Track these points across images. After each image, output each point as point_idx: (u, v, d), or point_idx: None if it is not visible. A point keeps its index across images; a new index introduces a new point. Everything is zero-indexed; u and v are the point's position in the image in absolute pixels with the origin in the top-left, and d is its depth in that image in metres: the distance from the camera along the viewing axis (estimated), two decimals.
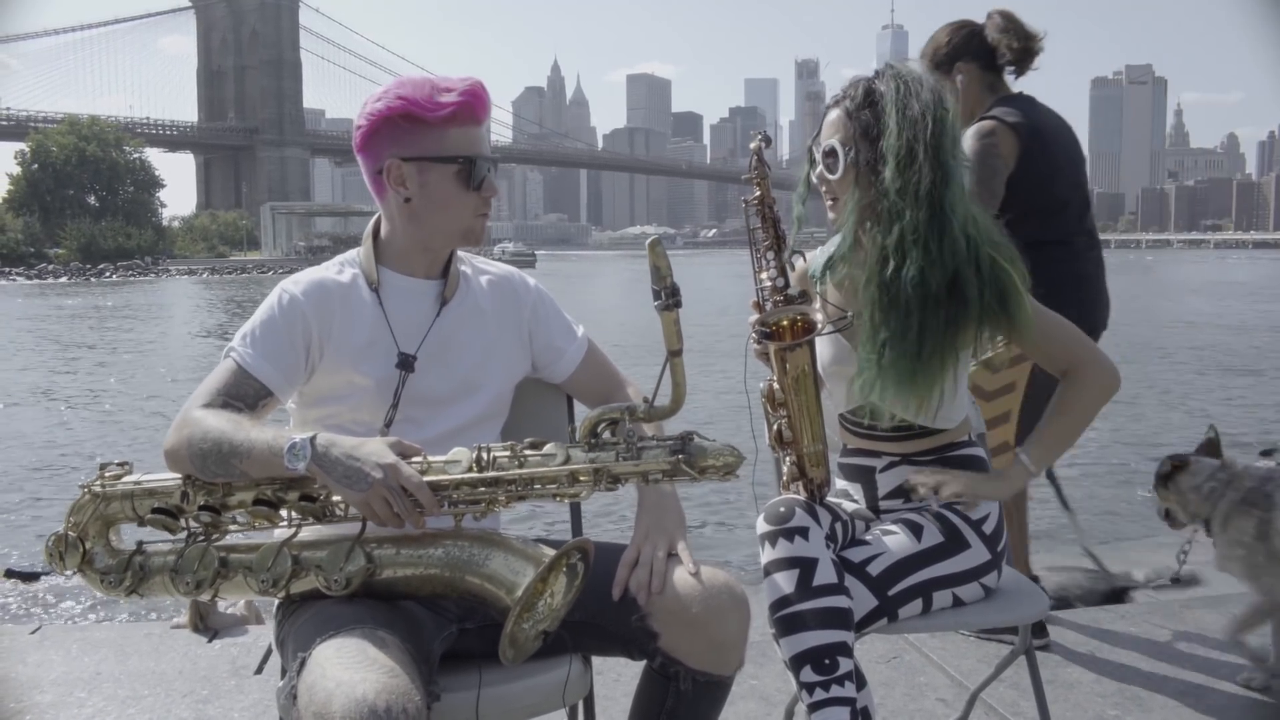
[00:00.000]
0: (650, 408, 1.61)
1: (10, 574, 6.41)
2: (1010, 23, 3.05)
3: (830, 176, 2.03)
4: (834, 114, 2.04)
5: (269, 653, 3.36)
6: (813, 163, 2.08)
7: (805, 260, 2.20)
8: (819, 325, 1.90)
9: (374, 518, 1.59)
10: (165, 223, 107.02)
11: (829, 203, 2.08)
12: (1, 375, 17.85)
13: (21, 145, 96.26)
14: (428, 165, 1.81)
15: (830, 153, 2.02)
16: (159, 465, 1.75)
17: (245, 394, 1.77)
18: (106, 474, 1.72)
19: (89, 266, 78.59)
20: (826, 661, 1.82)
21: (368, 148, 1.84)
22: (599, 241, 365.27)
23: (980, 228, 1.96)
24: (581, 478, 1.60)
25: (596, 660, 1.88)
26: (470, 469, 1.60)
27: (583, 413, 1.84)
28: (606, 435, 1.63)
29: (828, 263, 2.17)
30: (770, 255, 1.98)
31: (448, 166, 1.81)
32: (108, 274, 74.84)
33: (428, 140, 1.80)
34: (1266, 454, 9.58)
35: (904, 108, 1.93)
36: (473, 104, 1.81)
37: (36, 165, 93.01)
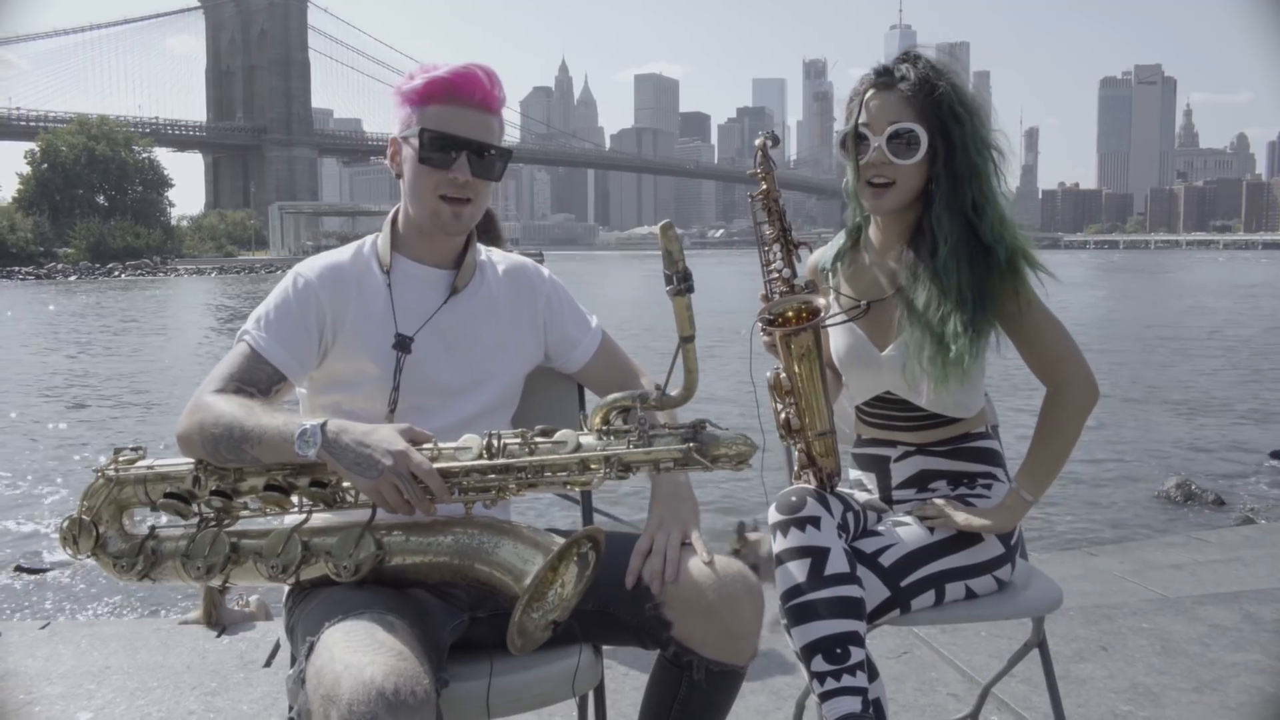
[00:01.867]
0: (662, 395, 1.59)
1: (20, 569, 6.44)
2: None
3: (901, 161, 1.99)
4: (887, 96, 2.00)
5: (277, 647, 3.36)
6: (859, 145, 2.03)
7: (810, 252, 2.20)
8: (823, 311, 1.89)
9: (384, 504, 1.58)
10: (174, 222, 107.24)
11: (879, 183, 2.02)
12: (15, 368, 17.90)
13: (31, 145, 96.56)
14: (406, 142, 1.82)
15: (906, 136, 1.98)
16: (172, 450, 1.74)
17: (258, 378, 1.77)
18: (120, 458, 1.71)
19: (98, 266, 78.82)
20: (838, 651, 1.81)
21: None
22: (606, 241, 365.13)
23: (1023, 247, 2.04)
24: (592, 465, 1.58)
25: (604, 653, 1.87)
26: (480, 456, 1.59)
27: (595, 403, 1.83)
28: (618, 423, 1.62)
29: (838, 254, 2.17)
30: (777, 248, 1.98)
31: (415, 143, 1.80)
32: (116, 273, 75.05)
33: (409, 117, 1.81)
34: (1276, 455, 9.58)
35: (965, 99, 1.98)
36: (453, 83, 1.78)
37: (46, 165, 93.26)
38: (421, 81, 1.79)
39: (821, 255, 2.23)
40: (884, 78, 2.01)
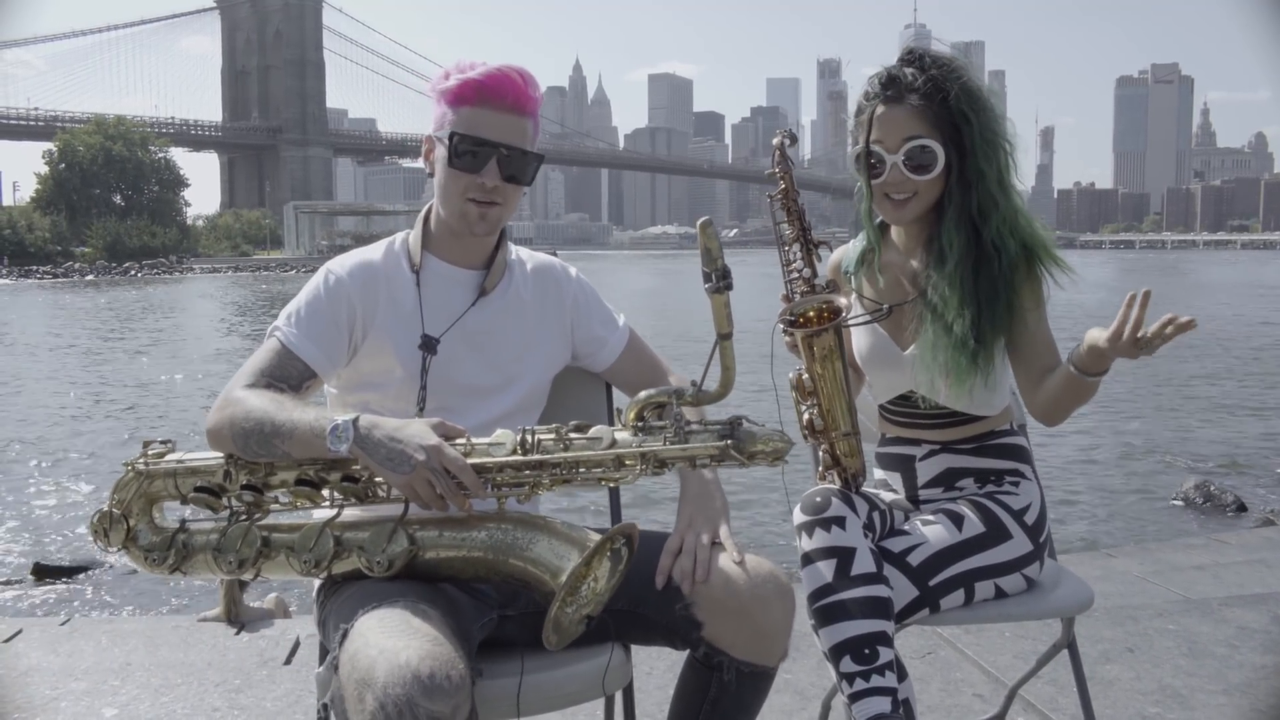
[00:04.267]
0: (698, 391, 1.58)
1: (39, 568, 6.45)
2: None
3: (919, 177, 1.97)
4: (897, 110, 1.97)
5: (297, 645, 3.37)
6: (874, 167, 2.01)
7: (830, 251, 2.19)
8: (845, 311, 1.88)
9: (417, 500, 1.57)
10: (189, 221, 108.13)
11: (902, 198, 2.00)
12: (34, 365, 18.00)
13: (49, 145, 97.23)
14: (437, 142, 1.82)
15: (923, 152, 1.96)
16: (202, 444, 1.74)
17: (289, 374, 1.76)
18: (150, 452, 1.71)
19: (114, 265, 79.45)
20: (866, 651, 1.80)
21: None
22: (620, 241, 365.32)
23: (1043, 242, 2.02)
24: (628, 462, 1.57)
25: (631, 651, 1.86)
26: (514, 452, 1.58)
27: (623, 402, 1.82)
28: (653, 419, 1.61)
29: (861, 256, 2.16)
30: (797, 247, 1.97)
31: (445, 145, 1.80)
32: (133, 272, 75.53)
33: (441, 117, 1.80)
34: None
35: (974, 99, 1.95)
36: (485, 85, 1.77)
37: (64, 165, 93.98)
38: (455, 82, 1.78)
39: (844, 255, 2.22)
40: (891, 90, 1.97)
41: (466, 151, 1.78)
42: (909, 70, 1.97)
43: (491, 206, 1.82)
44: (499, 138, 1.78)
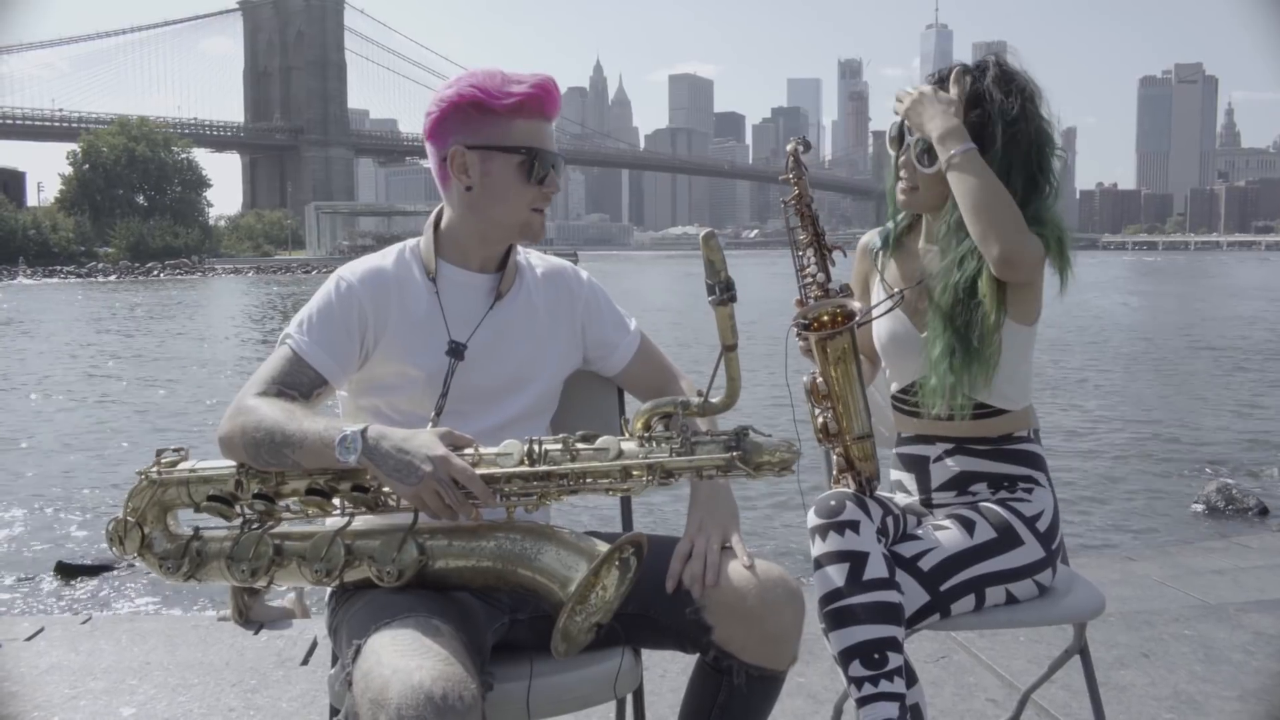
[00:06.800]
0: (705, 402, 1.59)
1: (61, 566, 6.50)
2: None
3: (924, 169, 2.04)
4: None
5: (314, 645, 3.39)
6: (902, 146, 2.09)
7: (845, 255, 2.20)
8: (858, 314, 1.90)
9: (426, 510, 1.59)
10: (212, 222, 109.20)
11: (906, 186, 2.09)
12: (55, 365, 18.15)
13: (73, 145, 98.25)
14: (491, 154, 1.81)
15: (929, 148, 2.03)
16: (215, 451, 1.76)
17: (300, 382, 1.77)
18: (163, 460, 1.73)
19: (137, 265, 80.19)
20: (876, 656, 1.80)
21: (436, 134, 1.84)
22: (640, 242, 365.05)
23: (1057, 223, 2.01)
24: (634, 472, 1.58)
25: (642, 654, 1.87)
26: (522, 462, 1.59)
27: (634, 405, 1.83)
28: (660, 429, 1.61)
29: (886, 239, 2.18)
30: (810, 252, 1.98)
31: (510, 157, 1.81)
32: (155, 272, 76.13)
33: (494, 129, 1.80)
34: None
35: (1012, 122, 1.98)
36: (541, 97, 1.81)
37: (87, 165, 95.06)
38: (518, 95, 1.79)
39: (870, 238, 2.26)
40: (939, 84, 2.05)
41: (538, 163, 1.82)
42: (967, 78, 2.03)
43: (543, 213, 1.89)
44: (554, 147, 1.86)
